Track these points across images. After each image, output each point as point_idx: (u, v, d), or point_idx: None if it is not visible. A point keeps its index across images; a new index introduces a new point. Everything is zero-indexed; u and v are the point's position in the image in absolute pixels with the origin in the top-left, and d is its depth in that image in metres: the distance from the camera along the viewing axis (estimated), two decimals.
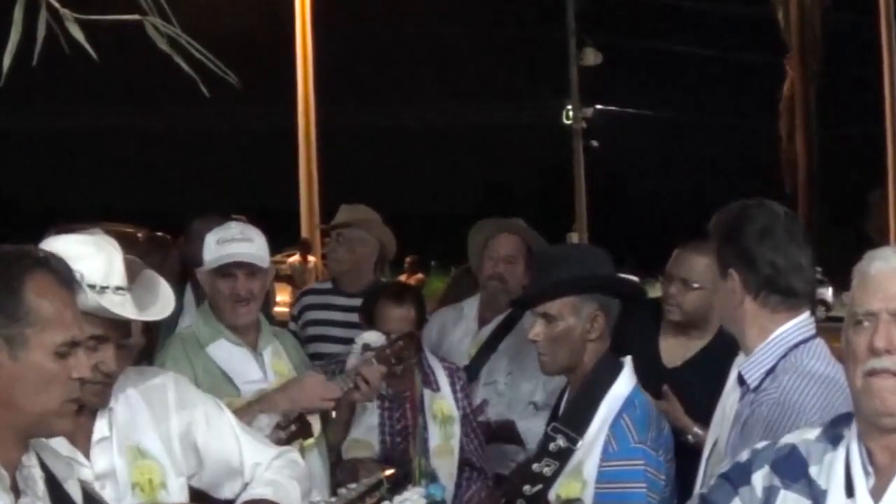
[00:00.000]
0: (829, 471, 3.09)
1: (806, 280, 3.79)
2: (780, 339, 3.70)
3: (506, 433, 6.03)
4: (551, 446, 4.36)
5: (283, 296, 20.23)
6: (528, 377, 6.11)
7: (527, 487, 4.35)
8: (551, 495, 4.33)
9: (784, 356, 3.66)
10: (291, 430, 4.63)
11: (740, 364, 3.79)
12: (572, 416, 4.40)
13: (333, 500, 3.38)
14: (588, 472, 4.29)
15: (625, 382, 4.41)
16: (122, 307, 3.46)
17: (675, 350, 5.51)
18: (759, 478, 3.19)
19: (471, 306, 6.50)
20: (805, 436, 3.19)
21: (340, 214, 7.00)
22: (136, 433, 3.66)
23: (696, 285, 5.54)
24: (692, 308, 5.59)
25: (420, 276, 24.91)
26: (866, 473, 3.03)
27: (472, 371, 6.16)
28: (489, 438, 5.91)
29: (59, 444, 3.43)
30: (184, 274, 6.68)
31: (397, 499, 3.38)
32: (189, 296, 6.45)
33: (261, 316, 5.24)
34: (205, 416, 3.79)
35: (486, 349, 6.29)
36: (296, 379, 4.92)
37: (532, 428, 5.96)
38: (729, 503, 3.23)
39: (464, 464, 5.54)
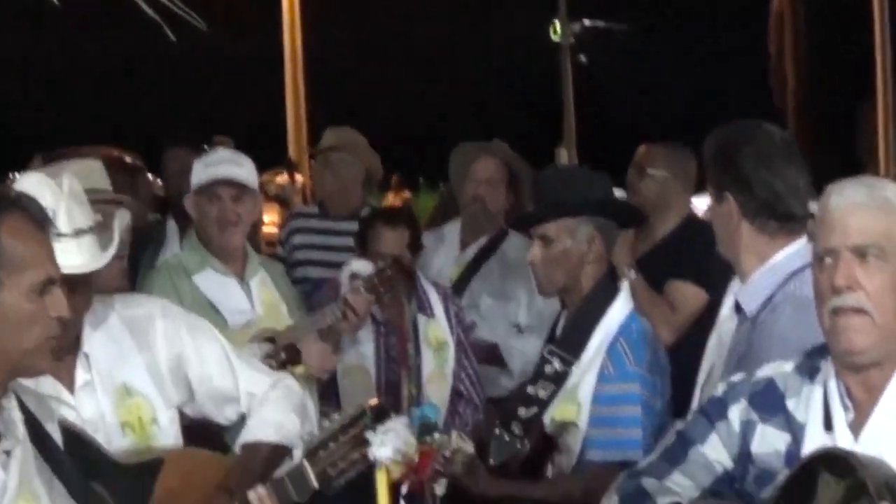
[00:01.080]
0: (807, 404, 3.04)
1: (804, 204, 3.67)
2: (779, 266, 3.60)
3: (488, 355, 5.97)
4: (547, 369, 4.30)
5: (271, 216, 20.13)
6: (510, 299, 6.07)
7: (522, 410, 4.29)
8: (546, 418, 4.28)
9: (783, 285, 3.56)
10: (281, 359, 4.57)
11: (736, 291, 3.70)
12: (568, 340, 4.34)
13: (317, 432, 3.34)
14: (583, 395, 4.23)
15: (621, 306, 4.34)
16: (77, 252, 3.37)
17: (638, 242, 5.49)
18: (737, 412, 3.14)
19: (452, 230, 6.43)
20: (781, 368, 3.13)
21: (326, 138, 6.92)
22: (121, 370, 3.57)
23: (651, 171, 5.70)
24: (647, 194, 5.64)
25: (406, 194, 24.78)
26: (845, 408, 2.98)
27: (455, 294, 6.02)
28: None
29: (48, 387, 3.41)
30: (164, 205, 6.59)
31: (381, 429, 3.29)
32: (172, 227, 6.35)
33: (248, 245, 5.17)
34: (196, 345, 3.70)
35: (469, 273, 6.23)
36: (298, 330, 4.88)
37: (515, 350, 5.95)
38: (706, 438, 3.17)
39: (454, 392, 5.48)
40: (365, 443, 3.26)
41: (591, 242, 4.33)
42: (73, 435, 3.24)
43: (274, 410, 3.68)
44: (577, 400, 4.22)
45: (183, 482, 3.43)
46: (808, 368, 3.08)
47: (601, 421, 4.19)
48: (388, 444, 3.26)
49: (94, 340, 3.54)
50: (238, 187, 5.03)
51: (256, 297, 5.02)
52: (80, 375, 3.52)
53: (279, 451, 3.64)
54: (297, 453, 3.66)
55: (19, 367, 2.80)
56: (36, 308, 2.75)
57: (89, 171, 4.24)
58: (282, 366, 4.58)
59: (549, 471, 4.32)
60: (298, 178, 21.20)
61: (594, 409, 4.20)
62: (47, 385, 3.44)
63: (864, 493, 2.75)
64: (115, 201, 4.32)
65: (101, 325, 3.57)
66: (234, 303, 4.96)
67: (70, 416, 3.41)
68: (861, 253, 2.92)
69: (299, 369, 4.64)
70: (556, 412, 4.25)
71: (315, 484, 3.23)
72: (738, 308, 3.66)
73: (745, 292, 3.63)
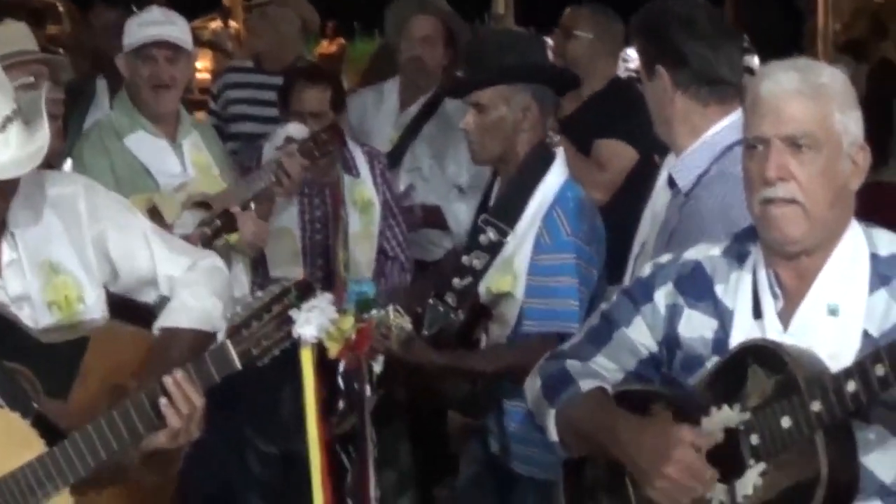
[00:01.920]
0: (735, 290, 3.00)
1: (736, 70, 3.62)
2: (712, 140, 3.54)
3: (433, 218, 5.92)
4: (481, 238, 4.25)
5: (204, 62, 19.84)
6: (451, 160, 5.98)
7: (456, 280, 4.25)
8: (481, 288, 4.23)
9: (717, 159, 3.50)
10: (216, 226, 4.50)
11: (671, 165, 3.65)
12: (503, 208, 4.28)
13: (239, 310, 3.22)
14: (519, 265, 4.18)
15: (557, 174, 4.27)
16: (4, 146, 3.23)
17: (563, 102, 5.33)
18: (662, 295, 3.11)
19: (391, 89, 6.30)
20: (709, 252, 3.09)
21: None
22: (46, 248, 3.48)
23: (576, 32, 5.69)
24: (573, 55, 5.65)
25: (341, 40, 24.44)
26: (774, 296, 2.94)
27: (396, 156, 6.02)
28: (417, 224, 5.81)
29: None
30: (95, 64, 6.45)
31: (305, 306, 3.21)
32: (102, 85, 6.21)
33: (181, 106, 5.05)
34: (116, 224, 3.60)
35: (409, 133, 6.12)
36: (231, 194, 4.80)
37: (457, 212, 5.87)
38: (631, 321, 3.15)
39: (379, 251, 5.44)
40: (289, 321, 3.20)
41: (527, 110, 4.25)
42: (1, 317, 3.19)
43: (193, 295, 3.60)
44: (512, 270, 4.18)
45: (108, 360, 3.39)
46: (737, 253, 3.04)
47: (537, 291, 4.15)
48: (313, 322, 3.20)
49: (20, 219, 3.44)
50: (172, 48, 4.91)
51: (188, 160, 4.92)
52: (7, 253, 3.43)
53: (200, 338, 3.57)
54: (221, 336, 3.57)
55: None
56: None
57: (13, 32, 4.12)
58: (217, 233, 4.51)
59: (484, 341, 4.30)
60: (232, 24, 20.87)
61: (530, 280, 4.16)
62: None
63: (794, 390, 2.75)
64: (43, 61, 4.21)
65: (27, 204, 3.47)
66: (166, 165, 4.86)
67: None
68: (793, 143, 2.85)
69: (234, 237, 4.58)
70: (491, 282, 4.21)
71: (237, 363, 3.16)
72: (671, 182, 3.61)
73: (679, 167, 3.58)
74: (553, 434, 3.16)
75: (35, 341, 3.32)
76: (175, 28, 4.95)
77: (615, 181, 5.50)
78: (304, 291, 3.23)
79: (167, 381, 3.11)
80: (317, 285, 5.02)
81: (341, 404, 3.78)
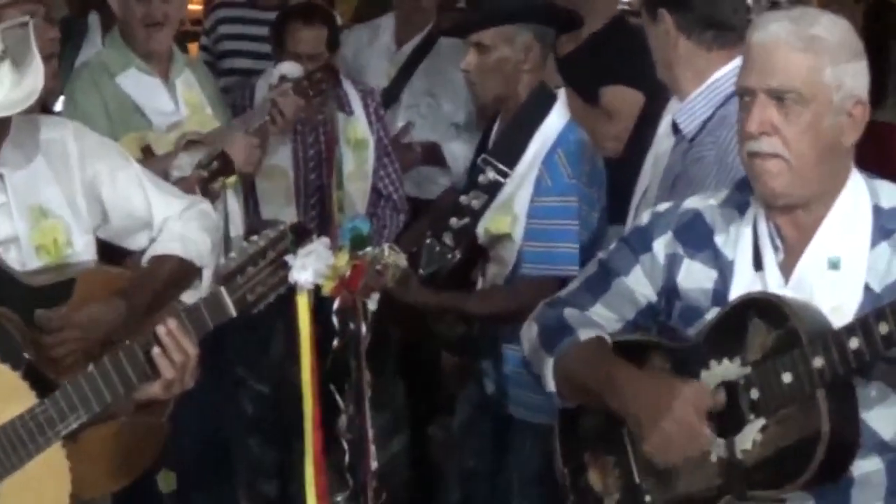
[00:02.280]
0: (735, 241, 2.94)
1: (740, 14, 3.54)
2: (717, 85, 3.47)
3: (431, 155, 5.85)
4: (480, 178, 4.20)
5: None
6: (449, 98, 5.90)
7: (454, 220, 4.20)
8: (479, 229, 4.20)
9: (722, 105, 3.43)
10: (213, 168, 4.45)
11: (674, 111, 3.58)
12: (503, 149, 4.23)
13: (234, 255, 3.16)
14: (518, 206, 4.14)
15: (558, 115, 4.23)
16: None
17: (560, 43, 5.25)
18: (661, 245, 3.05)
19: (387, 25, 6.18)
20: (709, 201, 3.03)
21: None
22: (35, 192, 3.41)
23: None
24: None
25: None
26: (775, 248, 2.89)
27: (393, 93, 5.94)
28: (416, 161, 5.76)
29: None
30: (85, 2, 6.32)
31: (301, 251, 3.15)
32: (94, 21, 6.11)
33: (173, 44, 4.96)
34: (109, 168, 3.54)
35: (406, 70, 6.02)
36: (224, 133, 4.72)
37: (455, 150, 5.82)
38: (629, 270, 3.10)
39: (372, 190, 5.38)
40: (285, 266, 3.14)
41: (529, 50, 4.20)
42: None
43: (184, 228, 3.56)
44: (512, 211, 4.13)
45: (95, 301, 3.33)
46: (737, 202, 2.98)
47: (537, 234, 4.11)
48: (309, 267, 3.14)
49: (10, 161, 3.38)
50: None
51: (181, 98, 4.83)
52: None
53: (185, 266, 3.54)
54: (207, 273, 3.58)
55: None
56: None
57: None
58: (214, 175, 4.46)
59: (480, 283, 4.27)
60: None
61: (530, 222, 4.12)
62: None
63: (796, 345, 2.70)
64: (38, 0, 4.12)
65: (17, 147, 3.40)
66: (158, 104, 4.77)
67: None
68: (777, 96, 2.78)
69: (231, 179, 4.52)
70: (490, 223, 4.17)
71: (232, 310, 3.10)
72: (675, 128, 3.55)
73: (683, 112, 3.51)
74: (550, 384, 3.11)
75: (21, 284, 3.26)
76: None
77: (626, 129, 5.38)
78: (299, 236, 3.17)
79: (160, 330, 3.06)
80: (312, 227, 5.05)
81: (335, 342, 3.73)
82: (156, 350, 3.06)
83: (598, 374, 2.97)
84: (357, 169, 5.31)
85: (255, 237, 3.18)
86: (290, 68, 4.93)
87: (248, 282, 3.11)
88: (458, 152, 5.78)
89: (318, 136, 5.27)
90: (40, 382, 3.06)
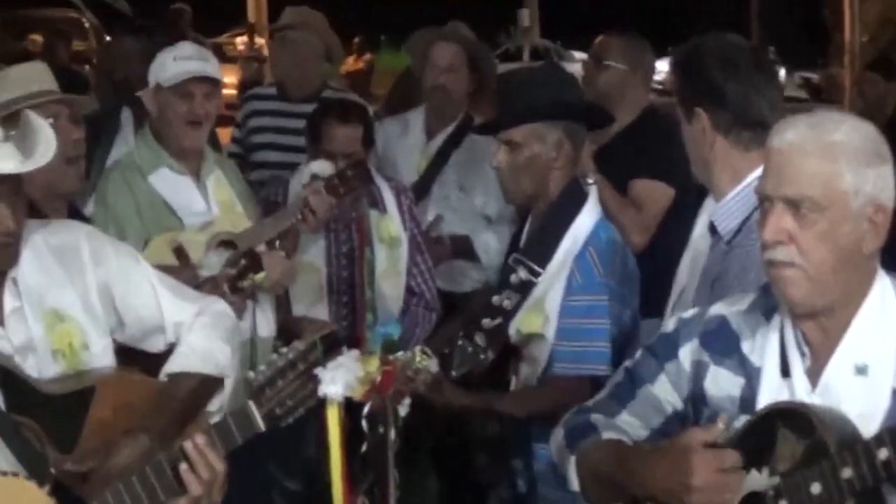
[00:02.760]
0: (762, 347, 2.91)
1: (777, 111, 3.50)
2: (754, 185, 3.45)
3: (461, 249, 5.85)
4: (512, 278, 4.17)
5: (229, 77, 19.90)
6: (479, 190, 5.90)
7: (486, 321, 4.12)
8: (511, 329, 4.16)
9: (758, 207, 3.41)
10: (242, 266, 4.43)
11: (711, 210, 3.56)
12: (535, 248, 4.22)
13: (263, 368, 3.13)
14: (550, 306, 4.12)
15: (590, 213, 4.22)
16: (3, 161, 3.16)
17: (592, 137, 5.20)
18: (687, 352, 3.02)
19: (416, 118, 6.21)
20: (736, 307, 3.01)
21: (284, 17, 6.72)
22: (50, 296, 3.40)
23: (607, 63, 5.59)
24: (605, 86, 5.56)
25: (368, 56, 24.34)
26: (801, 354, 2.85)
27: (424, 186, 5.95)
28: (446, 255, 5.75)
29: None
30: (118, 95, 6.37)
31: (331, 364, 3.15)
32: (127, 116, 6.14)
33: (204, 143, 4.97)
34: (122, 272, 3.53)
35: (436, 163, 6.04)
36: (256, 232, 4.73)
37: (486, 242, 5.83)
38: (655, 379, 3.07)
39: (405, 289, 5.34)
40: (314, 378, 3.12)
41: (560, 147, 4.20)
42: (6, 371, 3.15)
43: (202, 338, 3.52)
44: (543, 311, 4.11)
45: (115, 410, 3.31)
46: (764, 308, 2.95)
47: (568, 333, 4.09)
48: (339, 381, 3.15)
49: (24, 266, 3.37)
50: (210, 84, 4.85)
51: (212, 197, 4.84)
52: (9, 301, 3.35)
53: (207, 383, 3.51)
54: (229, 382, 3.54)
55: None
56: None
57: (31, 72, 4.07)
58: (243, 273, 4.44)
59: (514, 382, 4.25)
60: (258, 40, 20.90)
61: (562, 322, 4.10)
62: None
63: (825, 455, 2.67)
64: (62, 101, 4.15)
65: (27, 250, 3.39)
66: (190, 203, 4.78)
67: (2, 346, 3.29)
68: (794, 204, 2.76)
69: (260, 276, 4.49)
70: (521, 323, 4.14)
71: (261, 424, 3.08)
72: (712, 229, 3.53)
73: (720, 213, 3.49)
74: (574, 483, 3.10)
75: (40, 393, 3.24)
76: (209, 64, 4.88)
77: (654, 222, 5.40)
78: (329, 347, 3.15)
79: (188, 446, 3.03)
80: (343, 325, 5.01)
81: (364, 447, 3.70)
82: (183, 466, 3.03)
83: (615, 463, 2.96)
84: (390, 267, 5.28)
85: (283, 349, 3.14)
86: (321, 167, 4.92)
87: (278, 395, 3.09)
88: (490, 245, 5.79)
89: (351, 233, 5.25)
90: (67, 500, 3.03)
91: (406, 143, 6.12)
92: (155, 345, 3.58)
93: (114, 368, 3.47)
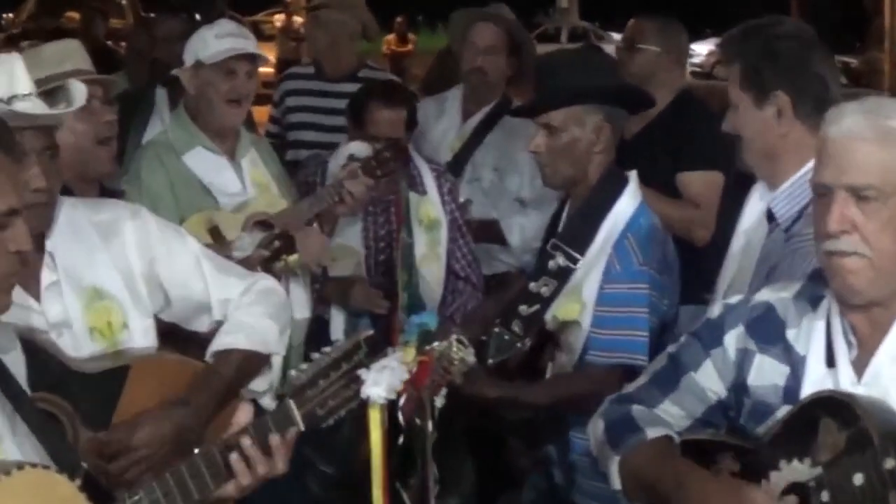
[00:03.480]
0: (808, 336, 2.87)
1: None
2: None
3: (488, 232, 5.79)
4: (550, 264, 4.10)
5: (267, 55, 19.94)
6: (514, 172, 5.85)
7: (523, 308, 4.10)
8: (548, 316, 4.09)
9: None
10: (275, 248, 4.38)
11: (770, 198, 3.49)
12: (573, 234, 4.13)
13: (305, 366, 3.05)
14: (588, 293, 4.03)
15: (630, 199, 4.12)
16: (33, 108, 3.16)
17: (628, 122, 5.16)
18: (733, 339, 2.98)
19: (454, 98, 6.16)
20: (782, 293, 2.96)
21: None
22: (90, 273, 3.36)
23: (640, 46, 5.55)
24: (638, 69, 5.50)
25: (412, 37, 24.21)
26: (848, 344, 2.81)
27: (457, 166, 5.89)
28: (474, 238, 5.64)
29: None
30: (154, 74, 6.33)
31: (375, 366, 3.07)
32: (161, 95, 6.09)
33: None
34: (168, 250, 3.49)
35: (471, 143, 5.99)
36: (293, 213, 4.67)
37: (518, 224, 5.79)
38: (699, 366, 3.03)
39: (449, 272, 5.28)
40: (357, 380, 3.04)
41: (600, 131, 4.11)
42: (36, 348, 3.07)
43: (248, 316, 3.47)
44: (581, 298, 4.03)
45: (150, 390, 3.26)
46: (811, 296, 2.90)
47: (606, 321, 4.00)
48: (382, 383, 3.06)
49: (60, 240, 3.33)
50: (252, 62, 4.80)
51: (247, 177, 4.79)
52: (46, 276, 3.32)
53: (253, 359, 3.46)
54: (277, 360, 3.50)
55: None
56: None
57: (65, 50, 4.03)
58: (276, 254, 4.39)
59: (549, 370, 4.15)
60: (296, 18, 20.87)
61: (598, 310, 4.00)
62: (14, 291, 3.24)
63: (868, 445, 2.62)
64: (96, 81, 4.11)
65: (67, 226, 3.36)
66: (225, 183, 4.72)
67: (37, 321, 3.26)
68: (857, 193, 2.70)
69: (293, 258, 4.44)
70: (558, 310, 4.06)
71: (301, 425, 3.00)
72: (770, 216, 3.47)
73: (779, 200, 3.43)
74: (616, 482, 3.05)
75: (73, 371, 3.20)
76: (251, 42, 4.85)
77: (714, 214, 5.34)
78: (373, 348, 3.08)
79: (233, 458, 2.94)
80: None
81: (401, 440, 3.64)
82: (234, 456, 2.93)
83: (666, 476, 2.91)
84: (430, 251, 5.23)
85: (327, 348, 3.08)
86: (359, 147, 4.85)
87: (319, 395, 3.02)
88: (524, 228, 5.75)
89: (390, 215, 5.20)
90: (98, 494, 2.92)
91: (442, 123, 6.07)
92: (202, 323, 3.54)
93: (152, 349, 3.42)
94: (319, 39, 6.51)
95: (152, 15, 9.54)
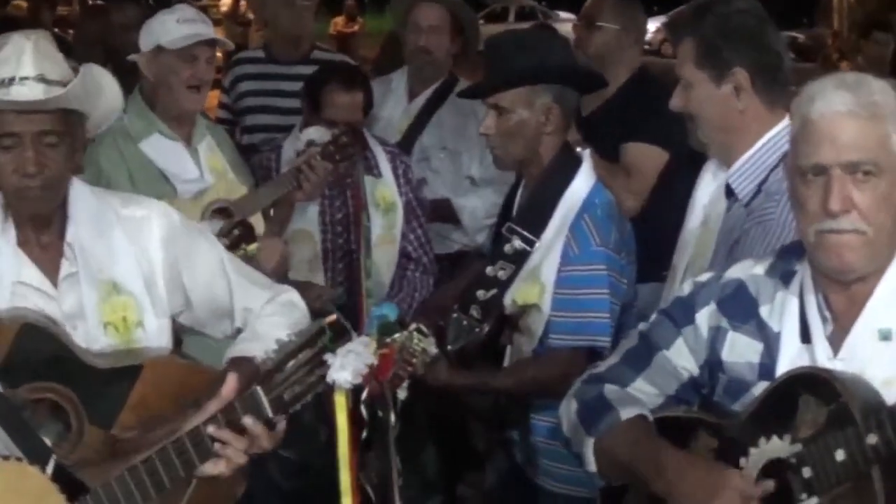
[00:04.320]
0: (781, 312, 2.88)
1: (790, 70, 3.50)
2: (770, 145, 3.41)
3: (441, 212, 5.77)
4: (506, 248, 4.09)
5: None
6: (462, 151, 5.84)
7: (481, 292, 4.10)
8: (507, 300, 4.09)
9: (774, 167, 3.37)
10: (234, 236, 4.36)
11: (728, 175, 3.50)
12: (528, 216, 4.12)
13: (272, 351, 3.06)
14: (546, 275, 4.02)
15: (584, 179, 4.11)
16: (26, 94, 3.14)
17: (587, 99, 5.15)
18: (705, 317, 2.99)
19: (399, 79, 6.12)
20: (753, 270, 2.97)
21: None
22: (110, 266, 3.32)
23: (600, 24, 5.52)
24: (599, 48, 5.50)
25: (360, 21, 24.06)
26: (823, 319, 2.82)
27: (405, 146, 5.83)
28: (427, 218, 5.64)
29: (31, 276, 3.23)
30: (107, 60, 6.26)
31: (340, 351, 3.07)
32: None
33: None
34: (193, 252, 3.45)
35: (418, 123, 5.96)
36: (250, 200, 4.68)
37: (469, 204, 5.78)
38: (671, 343, 3.04)
39: (401, 254, 5.27)
40: (322, 364, 3.04)
41: (549, 112, 4.08)
42: (49, 336, 3.09)
43: (268, 326, 3.43)
44: (539, 281, 4.02)
45: (160, 392, 3.23)
46: (782, 272, 2.91)
47: (566, 304, 3.99)
48: (348, 367, 3.05)
49: (82, 232, 3.30)
50: (213, 48, 4.77)
51: (205, 164, 4.74)
52: (65, 266, 3.28)
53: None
54: None
55: None
56: None
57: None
58: (236, 243, 4.37)
59: (508, 352, 4.16)
60: (242, 2, 20.72)
61: (558, 292, 4.00)
62: (30, 274, 3.25)
63: (849, 422, 2.63)
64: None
65: (91, 219, 3.33)
66: (183, 170, 4.68)
67: (51, 308, 3.23)
68: (854, 170, 2.70)
69: (252, 247, 4.43)
70: (517, 294, 4.06)
71: (269, 411, 3.00)
72: (729, 192, 3.47)
73: (737, 175, 3.44)
74: (591, 464, 3.05)
75: (85, 364, 3.18)
76: (210, 27, 4.81)
77: (646, 186, 5.33)
78: (338, 333, 3.08)
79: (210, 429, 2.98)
80: (341, 297, 4.93)
81: (364, 433, 3.61)
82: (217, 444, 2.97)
83: (642, 455, 2.92)
84: (386, 233, 5.20)
85: (292, 335, 3.08)
86: (318, 133, 4.83)
87: (286, 381, 3.02)
88: (475, 206, 5.75)
89: (346, 199, 5.17)
90: (71, 483, 2.96)
91: (389, 104, 6.03)
92: (221, 330, 3.53)
93: (165, 350, 3.40)
94: (283, 18, 6.42)
95: (100, 2, 9.44)
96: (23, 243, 3.27)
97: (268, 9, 6.63)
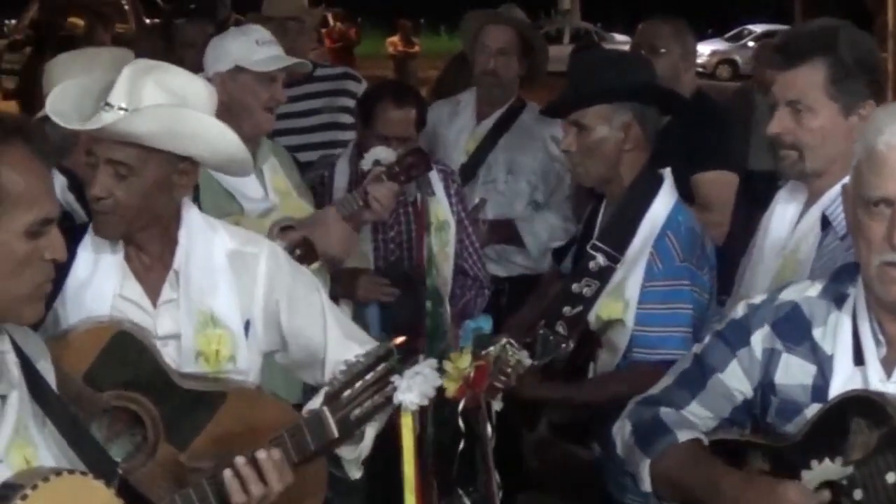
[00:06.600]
0: (834, 334, 2.91)
1: None
2: None
3: (504, 233, 5.86)
4: (591, 265, 4.17)
5: None
6: (528, 174, 5.92)
7: (566, 309, 4.15)
8: (591, 316, 4.17)
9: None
10: (297, 256, 4.31)
11: (826, 206, 3.49)
12: (612, 234, 4.22)
13: (339, 373, 3.10)
14: (630, 292, 4.12)
15: (666, 197, 4.21)
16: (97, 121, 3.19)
17: None
18: (759, 339, 3.03)
19: (467, 100, 6.21)
20: (806, 293, 3.00)
21: (267, 6, 6.63)
22: (212, 298, 3.37)
23: (662, 51, 5.59)
24: (663, 74, 5.41)
25: (416, 44, 24.05)
26: (877, 342, 2.86)
27: (470, 169, 5.95)
28: (486, 238, 5.72)
29: (133, 291, 3.29)
30: None
31: (408, 372, 3.11)
32: None
33: None
34: (295, 297, 3.48)
35: (485, 146, 6.03)
36: (319, 218, 4.64)
37: (532, 227, 5.84)
38: (726, 366, 3.07)
39: (458, 271, 5.32)
40: (390, 386, 3.09)
41: (629, 130, 4.19)
42: (139, 345, 3.15)
43: None
44: (623, 297, 4.12)
45: (240, 423, 3.27)
46: (835, 294, 2.95)
47: (649, 319, 4.09)
48: (415, 389, 3.10)
49: (191, 261, 3.36)
50: (283, 70, 4.78)
51: (270, 184, 4.77)
52: (166, 291, 3.35)
53: None
54: (370, 433, 3.45)
55: (7, 312, 2.63)
56: (30, 249, 2.59)
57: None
58: (297, 262, 4.28)
59: (591, 369, 4.20)
60: None
61: (641, 307, 4.10)
62: (132, 289, 3.33)
63: None
64: None
65: (201, 249, 3.38)
66: (249, 190, 4.68)
67: (147, 325, 3.29)
68: None
69: (314, 266, 4.42)
70: (601, 310, 4.15)
71: (335, 431, 3.05)
72: (825, 222, 3.49)
73: (836, 207, 3.42)
74: (647, 484, 3.09)
75: (171, 382, 3.23)
76: (282, 49, 4.86)
77: (728, 214, 5.42)
78: (406, 354, 3.13)
79: (261, 456, 2.98)
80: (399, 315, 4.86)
81: (462, 444, 3.64)
82: (227, 474, 2.96)
83: (701, 479, 2.96)
84: (440, 251, 5.25)
85: (360, 356, 3.13)
86: (383, 153, 4.85)
87: (353, 402, 3.07)
88: (538, 229, 5.80)
89: (399, 217, 5.23)
90: (135, 501, 2.96)
91: (456, 125, 6.13)
92: (312, 376, 3.57)
93: (255, 385, 3.44)
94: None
95: (156, 20, 9.40)
96: (129, 259, 3.36)
97: None
